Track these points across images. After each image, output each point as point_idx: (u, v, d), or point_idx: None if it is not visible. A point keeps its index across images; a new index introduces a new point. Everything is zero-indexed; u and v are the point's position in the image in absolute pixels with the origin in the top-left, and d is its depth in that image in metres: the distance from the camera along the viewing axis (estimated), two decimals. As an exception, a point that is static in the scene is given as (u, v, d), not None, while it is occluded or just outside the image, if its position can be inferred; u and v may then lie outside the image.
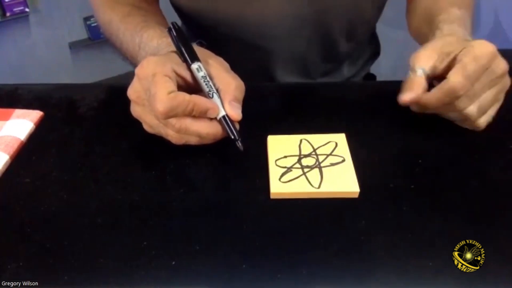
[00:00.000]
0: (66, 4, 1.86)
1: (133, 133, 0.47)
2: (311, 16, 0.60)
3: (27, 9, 1.77)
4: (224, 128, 0.41)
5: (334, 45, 0.66)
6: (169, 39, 0.45)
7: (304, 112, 0.50)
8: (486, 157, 0.44)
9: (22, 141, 0.46)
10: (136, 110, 0.42)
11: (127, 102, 0.42)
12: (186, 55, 0.42)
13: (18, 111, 0.50)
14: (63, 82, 0.58)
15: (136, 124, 0.42)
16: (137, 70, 0.40)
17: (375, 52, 0.78)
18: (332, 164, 0.42)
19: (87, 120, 0.50)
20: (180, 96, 0.38)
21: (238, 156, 0.42)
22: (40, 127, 0.49)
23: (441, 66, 0.43)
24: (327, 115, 0.47)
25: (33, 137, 0.47)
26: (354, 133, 0.45)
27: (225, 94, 0.41)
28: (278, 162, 0.42)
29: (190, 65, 0.41)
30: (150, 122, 0.41)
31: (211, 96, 0.41)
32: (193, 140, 0.41)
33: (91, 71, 2.01)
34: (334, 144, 0.44)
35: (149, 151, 0.45)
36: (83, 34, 1.98)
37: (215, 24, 0.61)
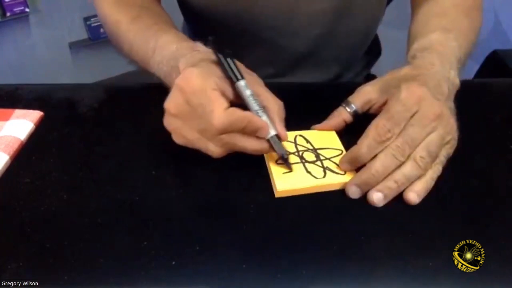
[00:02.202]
0: (66, 4, 1.86)
1: (133, 133, 0.47)
2: (326, 14, 0.59)
3: (27, 9, 1.76)
4: (271, 147, 0.40)
5: (347, 46, 0.66)
6: (188, 43, 0.44)
7: (303, 113, 0.49)
8: (486, 157, 0.44)
9: (22, 141, 0.46)
10: (173, 123, 0.39)
11: (127, 102, 0.42)
12: (234, 72, 0.40)
13: (18, 112, 0.50)
14: (63, 82, 0.58)
15: (136, 124, 0.42)
16: (180, 82, 0.38)
17: (376, 53, 0.78)
18: (332, 157, 0.42)
19: (87, 120, 0.50)
20: (237, 113, 0.37)
21: (238, 156, 0.42)
22: (40, 127, 0.49)
23: (381, 100, 0.44)
24: (327, 115, 0.47)
25: (33, 137, 0.47)
26: (354, 133, 0.44)
27: (274, 113, 0.40)
28: (279, 160, 0.42)
29: (235, 82, 0.40)
30: (190, 137, 0.39)
31: (260, 115, 0.39)
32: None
33: (91, 71, 2.01)
34: (328, 139, 0.45)
35: (149, 151, 0.45)
36: (83, 34, 1.98)
37: (224, 18, 0.60)
